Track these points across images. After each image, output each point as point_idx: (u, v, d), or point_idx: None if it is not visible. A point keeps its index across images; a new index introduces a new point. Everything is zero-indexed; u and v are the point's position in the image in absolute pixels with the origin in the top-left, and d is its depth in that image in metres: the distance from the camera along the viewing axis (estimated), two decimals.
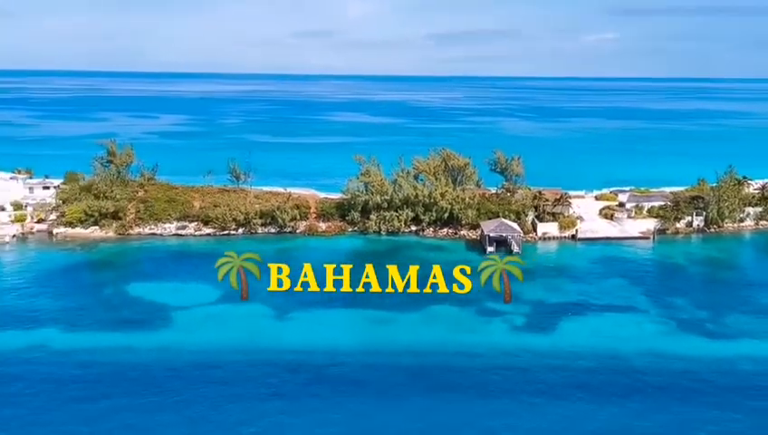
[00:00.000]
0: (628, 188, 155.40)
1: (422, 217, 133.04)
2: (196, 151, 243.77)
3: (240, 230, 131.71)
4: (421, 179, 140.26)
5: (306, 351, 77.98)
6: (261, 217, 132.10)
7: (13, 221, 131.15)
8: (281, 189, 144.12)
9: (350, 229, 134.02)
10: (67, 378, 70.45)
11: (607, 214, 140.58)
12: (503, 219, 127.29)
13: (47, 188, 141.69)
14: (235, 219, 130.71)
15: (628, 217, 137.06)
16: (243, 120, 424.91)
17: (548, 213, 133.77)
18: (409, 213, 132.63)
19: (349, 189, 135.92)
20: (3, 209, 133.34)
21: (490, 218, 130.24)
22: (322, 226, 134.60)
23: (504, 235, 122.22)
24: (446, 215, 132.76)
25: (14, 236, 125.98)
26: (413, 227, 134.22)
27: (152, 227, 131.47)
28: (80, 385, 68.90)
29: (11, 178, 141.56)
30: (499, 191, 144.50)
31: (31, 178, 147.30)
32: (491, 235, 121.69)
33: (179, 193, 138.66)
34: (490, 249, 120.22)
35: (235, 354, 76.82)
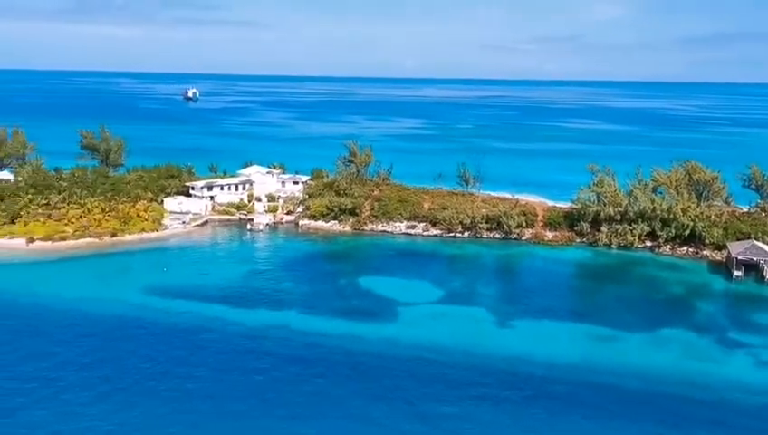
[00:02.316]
0: None
1: (659, 232, 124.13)
2: (428, 154, 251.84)
3: (466, 233, 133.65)
4: (660, 192, 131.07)
5: (525, 361, 76.87)
6: (487, 222, 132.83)
7: (266, 211, 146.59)
8: (508, 195, 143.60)
9: (578, 240, 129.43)
10: (300, 357, 76.95)
11: None
12: (755, 241, 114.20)
13: (296, 183, 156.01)
14: (461, 222, 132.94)
15: None
16: (476, 124, 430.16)
17: None
18: (645, 227, 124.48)
19: (579, 199, 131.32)
20: (259, 200, 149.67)
21: (739, 239, 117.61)
22: (549, 234, 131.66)
23: (755, 259, 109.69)
24: (687, 232, 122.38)
25: (266, 224, 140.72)
26: (648, 243, 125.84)
27: (384, 224, 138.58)
28: (303, 365, 74.93)
29: (267, 173, 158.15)
30: (752, 210, 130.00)
31: (283, 173, 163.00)
32: (739, 258, 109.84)
33: (411, 194, 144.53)
34: (737, 274, 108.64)
35: (456, 355, 78.04)
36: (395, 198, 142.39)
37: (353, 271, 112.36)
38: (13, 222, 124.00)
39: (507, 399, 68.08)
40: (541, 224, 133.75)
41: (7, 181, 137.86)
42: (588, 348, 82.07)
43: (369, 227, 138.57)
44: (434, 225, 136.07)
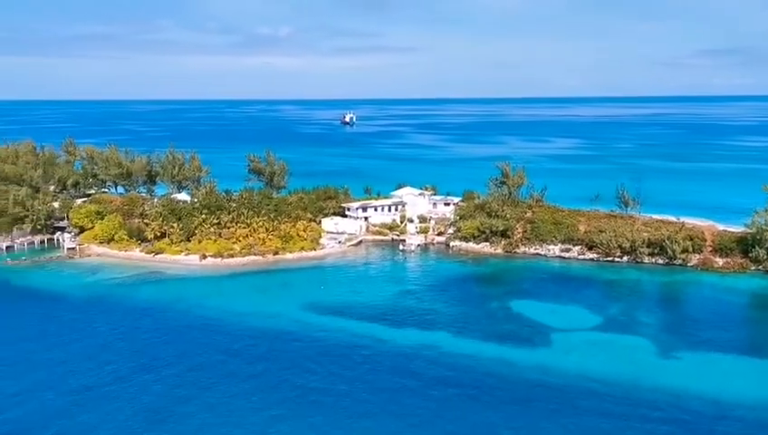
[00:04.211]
0: None
1: None
2: (585, 175, 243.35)
3: (625, 258, 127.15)
4: None
5: (693, 396, 71.39)
6: (648, 247, 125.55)
7: (418, 232, 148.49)
8: (672, 218, 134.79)
9: (752, 268, 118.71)
10: (450, 379, 76.75)
11: None
12: None
13: (448, 204, 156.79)
14: (620, 246, 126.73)
15: None
16: (636, 144, 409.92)
17: None
18: None
19: (755, 223, 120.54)
20: (411, 221, 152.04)
21: None
22: (719, 261, 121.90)
23: None
24: None
25: (418, 245, 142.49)
26: None
27: (537, 247, 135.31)
28: (454, 387, 74.44)
29: (419, 195, 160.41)
30: None
31: (435, 194, 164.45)
32: None
33: (565, 216, 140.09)
34: None
35: (615, 386, 74.16)
36: (549, 220, 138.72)
37: (505, 294, 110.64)
38: (188, 239, 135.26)
39: None
40: (709, 249, 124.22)
41: (185, 202, 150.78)
42: (765, 386, 74.65)
43: (522, 249, 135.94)
44: (590, 248, 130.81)
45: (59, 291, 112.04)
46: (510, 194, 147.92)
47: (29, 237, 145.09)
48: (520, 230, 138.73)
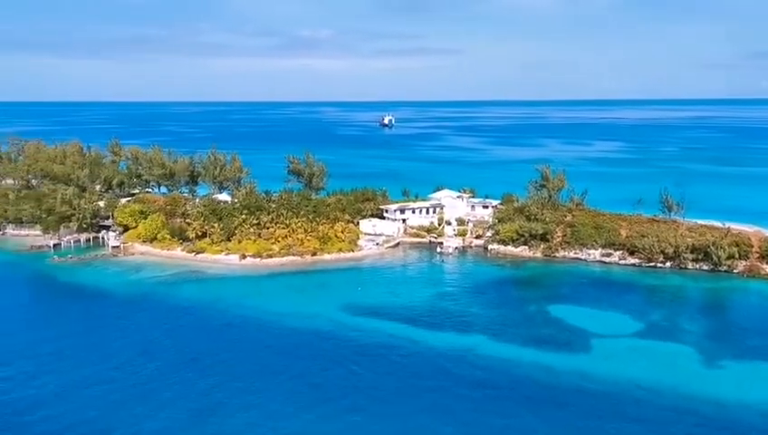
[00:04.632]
0: None
1: None
2: (626, 179, 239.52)
3: (668, 263, 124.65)
4: None
5: (740, 406, 69.64)
6: (692, 252, 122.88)
7: (456, 235, 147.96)
8: (718, 223, 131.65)
9: None
10: (487, 382, 76.26)
11: None
12: None
13: (486, 207, 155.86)
14: (663, 251, 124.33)
15: None
16: (681, 147, 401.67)
17: None
18: None
19: None
20: (449, 224, 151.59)
21: None
22: (766, 268, 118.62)
23: None
24: None
25: (456, 248, 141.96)
26: None
27: (577, 251, 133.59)
28: (491, 390, 73.95)
29: (457, 197, 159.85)
30: None
31: (473, 197, 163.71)
32: None
33: (606, 220, 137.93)
34: None
35: (657, 394, 72.73)
36: (589, 224, 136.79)
37: (543, 298, 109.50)
38: (229, 239, 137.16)
39: None
40: (757, 256, 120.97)
41: (225, 202, 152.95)
42: None
43: (561, 253, 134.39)
44: (631, 253, 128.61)
45: (103, 288, 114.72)
46: (550, 197, 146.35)
47: (75, 235, 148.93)
48: (559, 234, 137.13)
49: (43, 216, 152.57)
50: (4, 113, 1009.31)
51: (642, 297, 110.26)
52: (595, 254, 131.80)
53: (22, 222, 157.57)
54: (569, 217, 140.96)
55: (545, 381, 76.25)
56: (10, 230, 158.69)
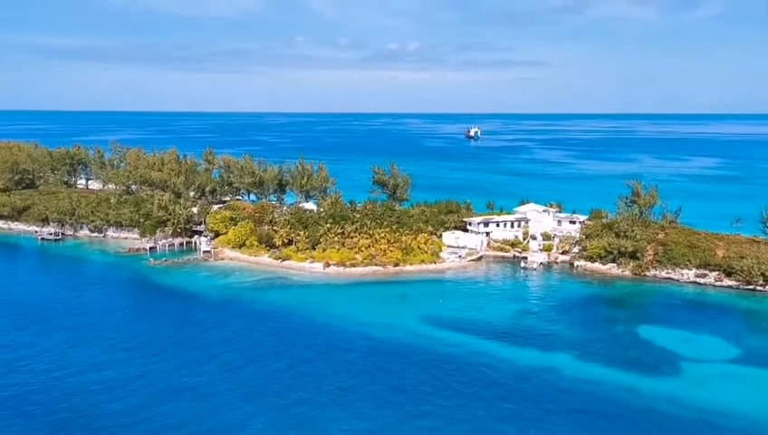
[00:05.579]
0: None
1: None
2: (724, 197, 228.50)
3: None
4: None
5: None
6: None
7: (541, 250, 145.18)
8: None
9: None
10: (572, 404, 74.30)
11: None
12: None
13: (573, 222, 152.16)
14: (763, 274, 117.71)
15: None
16: None
17: None
18: None
19: None
20: (534, 238, 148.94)
21: None
22: None
23: None
24: None
25: (540, 263, 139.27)
26: None
27: (669, 271, 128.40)
28: (576, 413, 71.88)
29: (543, 211, 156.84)
30: None
31: (560, 212, 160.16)
32: None
33: (701, 239, 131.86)
34: None
35: (752, 425, 68.96)
36: (683, 242, 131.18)
37: (632, 318, 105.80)
38: (313, 247, 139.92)
39: None
40: None
41: (311, 211, 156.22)
42: None
43: (652, 272, 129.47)
44: (729, 275, 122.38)
45: (195, 291, 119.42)
46: (641, 214, 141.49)
47: (170, 240, 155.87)
48: (650, 252, 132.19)
49: (141, 220, 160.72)
50: (111, 122, 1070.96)
51: (739, 322, 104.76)
52: (689, 274, 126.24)
53: (122, 225, 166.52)
54: (661, 235, 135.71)
55: (631, 404, 73.59)
56: (111, 233, 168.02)
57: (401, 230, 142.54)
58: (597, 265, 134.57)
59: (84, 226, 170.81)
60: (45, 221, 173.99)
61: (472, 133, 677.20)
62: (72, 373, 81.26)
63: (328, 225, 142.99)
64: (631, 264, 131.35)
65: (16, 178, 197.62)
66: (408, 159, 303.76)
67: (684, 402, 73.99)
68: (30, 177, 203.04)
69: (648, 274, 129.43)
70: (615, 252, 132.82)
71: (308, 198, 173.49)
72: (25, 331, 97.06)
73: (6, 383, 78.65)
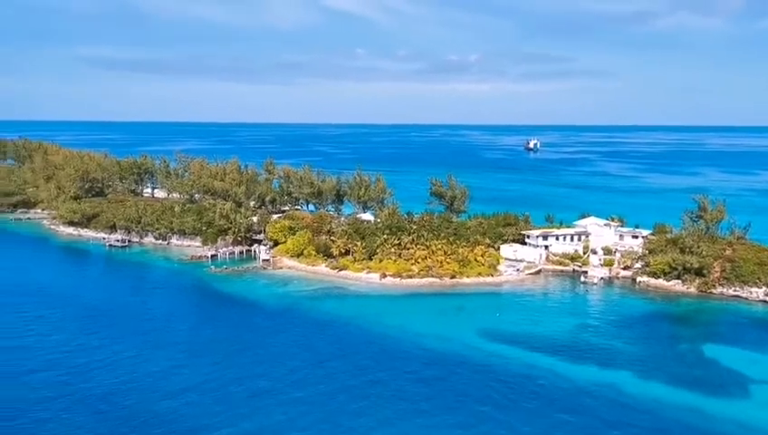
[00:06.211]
0: None
1: None
2: None
3: None
4: None
5: None
6: None
7: (602, 265, 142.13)
8: None
9: None
10: (632, 424, 72.34)
11: None
12: None
13: (636, 237, 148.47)
14: None
15: None
16: None
17: None
18: None
19: None
20: (594, 253, 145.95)
21: None
22: None
23: None
24: None
25: (601, 278, 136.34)
26: None
27: (737, 288, 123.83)
28: (637, 430, 69.88)
29: (604, 225, 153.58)
30: None
31: (622, 226, 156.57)
32: None
33: None
34: None
35: None
36: (752, 259, 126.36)
37: (697, 337, 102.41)
38: (370, 258, 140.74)
39: None
40: None
41: (369, 222, 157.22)
42: None
43: (719, 290, 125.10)
44: None
45: (254, 299, 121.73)
46: (707, 229, 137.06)
47: (231, 248, 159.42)
48: (717, 269, 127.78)
49: (203, 228, 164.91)
50: (172, 132, 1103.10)
51: None
52: (758, 292, 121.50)
53: (185, 233, 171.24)
54: (728, 252, 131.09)
55: (695, 424, 71.36)
56: (174, 240, 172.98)
57: (458, 242, 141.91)
58: (660, 282, 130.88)
59: (149, 233, 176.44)
60: (113, 228, 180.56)
61: (531, 145, 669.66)
62: (142, 376, 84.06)
63: (385, 236, 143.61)
64: (697, 281, 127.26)
65: (86, 186, 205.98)
66: (465, 170, 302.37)
67: (751, 426, 71.27)
68: (99, 185, 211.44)
69: (714, 291, 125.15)
70: (680, 268, 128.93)
71: (365, 208, 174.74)
72: (95, 335, 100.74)
73: (82, 384, 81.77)
